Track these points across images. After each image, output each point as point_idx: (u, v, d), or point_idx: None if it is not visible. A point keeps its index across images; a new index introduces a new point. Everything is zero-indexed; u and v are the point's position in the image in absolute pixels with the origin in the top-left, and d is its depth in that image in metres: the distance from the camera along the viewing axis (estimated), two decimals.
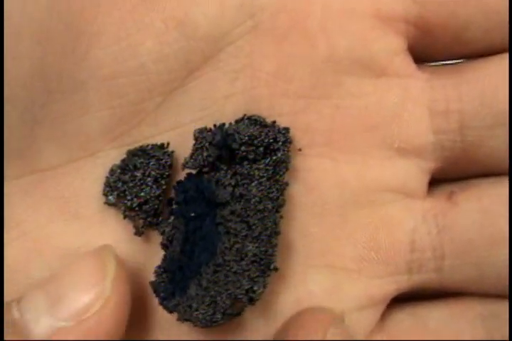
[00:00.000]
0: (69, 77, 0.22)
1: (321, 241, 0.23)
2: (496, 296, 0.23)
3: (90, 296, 0.20)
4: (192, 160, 0.22)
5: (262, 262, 0.21)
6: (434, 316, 0.23)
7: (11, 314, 0.19)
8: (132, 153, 0.23)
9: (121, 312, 0.20)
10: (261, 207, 0.22)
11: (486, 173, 0.24)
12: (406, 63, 0.23)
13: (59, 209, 0.22)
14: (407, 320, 0.24)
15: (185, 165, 0.23)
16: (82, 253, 0.22)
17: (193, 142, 0.23)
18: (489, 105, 0.23)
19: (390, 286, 0.23)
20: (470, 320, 0.23)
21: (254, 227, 0.22)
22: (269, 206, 0.22)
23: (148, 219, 0.23)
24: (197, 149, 0.22)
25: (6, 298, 0.21)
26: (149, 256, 0.23)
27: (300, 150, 0.23)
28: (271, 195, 0.22)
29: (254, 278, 0.21)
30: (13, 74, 0.21)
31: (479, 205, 0.23)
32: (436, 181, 0.24)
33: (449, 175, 0.24)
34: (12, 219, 0.22)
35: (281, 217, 0.22)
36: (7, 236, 0.22)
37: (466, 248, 0.23)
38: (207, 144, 0.22)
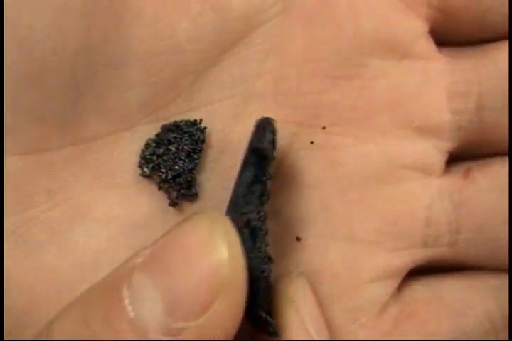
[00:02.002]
0: (111, 53, 0.23)
1: (343, 214, 0.24)
2: (508, 271, 0.24)
3: (207, 291, 0.18)
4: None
5: None
6: (448, 289, 0.24)
7: (124, 307, 0.18)
8: (167, 128, 0.24)
9: (238, 303, 0.19)
10: None
11: (501, 153, 0.24)
12: (428, 46, 0.24)
13: (98, 179, 0.23)
14: (422, 292, 0.24)
15: None
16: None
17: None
18: (504, 86, 0.24)
19: (406, 259, 0.24)
20: (482, 292, 0.24)
21: None
22: None
23: (182, 191, 0.24)
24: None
25: (48, 258, 0.22)
26: None
27: (324, 128, 0.24)
28: None
29: None
30: (59, 47, 0.22)
31: (494, 183, 0.24)
32: (454, 160, 0.25)
33: (466, 154, 0.25)
34: (55, 186, 0.23)
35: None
36: (51, 201, 0.23)
37: (479, 224, 0.24)
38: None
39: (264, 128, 0.22)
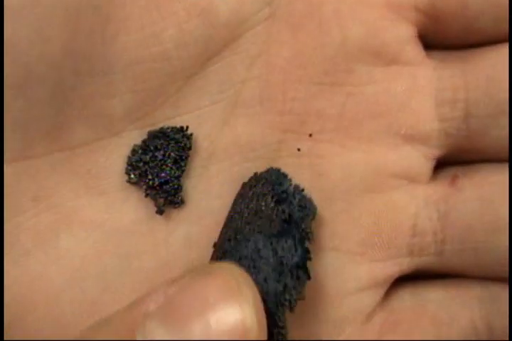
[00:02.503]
0: (97, 60, 0.23)
1: (328, 225, 0.24)
2: (495, 280, 0.24)
3: None
4: None
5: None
6: (433, 298, 0.24)
7: None
8: (153, 135, 0.24)
9: None
10: None
11: (489, 159, 0.24)
12: (416, 51, 0.24)
13: (85, 185, 0.24)
14: (408, 301, 0.24)
15: None
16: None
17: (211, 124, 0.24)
18: (492, 94, 0.23)
19: (392, 268, 0.24)
20: (467, 302, 0.24)
21: None
22: None
23: (169, 198, 0.24)
24: None
25: (35, 265, 0.22)
26: (169, 233, 0.24)
27: (311, 135, 0.24)
28: None
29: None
30: (45, 55, 0.22)
31: (480, 193, 0.24)
32: (441, 164, 0.25)
33: (453, 161, 0.25)
34: (42, 193, 0.23)
35: None
36: (38, 208, 0.23)
37: (465, 233, 0.24)
38: None
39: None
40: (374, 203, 0.24)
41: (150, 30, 0.23)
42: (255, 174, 0.24)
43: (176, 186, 0.24)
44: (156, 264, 0.23)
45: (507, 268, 0.23)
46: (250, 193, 0.24)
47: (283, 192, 0.23)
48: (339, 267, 0.24)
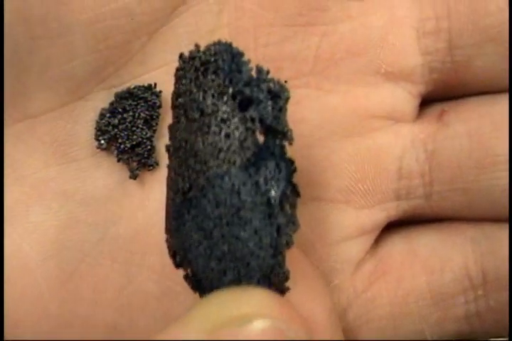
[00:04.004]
0: (53, 22, 0.22)
1: (308, 173, 0.22)
2: (488, 220, 0.22)
3: None
4: None
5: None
6: (425, 242, 0.23)
7: None
8: (120, 96, 0.23)
9: None
10: None
11: (477, 93, 0.22)
12: None
13: (53, 154, 0.23)
14: (399, 245, 0.23)
15: None
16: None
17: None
18: (476, 21, 0.21)
19: (379, 215, 0.23)
20: (460, 244, 0.22)
21: None
22: None
23: (142, 161, 0.23)
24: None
25: (7, 242, 0.21)
26: (145, 196, 0.23)
27: (286, 82, 0.22)
28: None
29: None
30: None
31: (468, 127, 0.22)
32: (427, 101, 0.23)
33: (439, 97, 0.23)
34: (8, 165, 0.22)
35: None
36: (5, 182, 0.22)
37: (454, 173, 0.22)
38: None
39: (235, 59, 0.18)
40: (356, 148, 0.22)
41: None
42: (191, 54, 0.19)
43: (148, 148, 0.23)
44: (133, 230, 0.22)
45: (500, 207, 0.22)
46: (190, 96, 0.18)
47: (246, 84, 0.18)
48: (323, 217, 0.23)
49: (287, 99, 0.18)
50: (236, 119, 0.18)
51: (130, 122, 0.23)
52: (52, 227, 0.22)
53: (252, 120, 0.18)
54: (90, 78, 0.22)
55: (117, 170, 0.23)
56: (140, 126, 0.23)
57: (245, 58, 0.18)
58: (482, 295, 0.22)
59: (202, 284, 0.18)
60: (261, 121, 0.18)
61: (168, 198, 0.19)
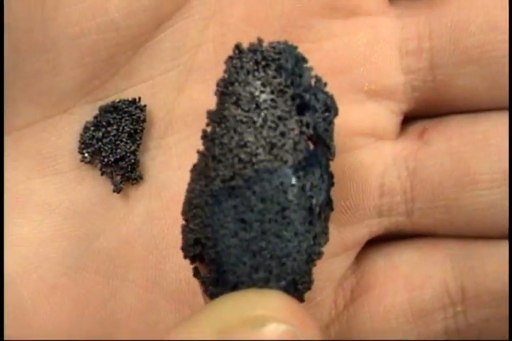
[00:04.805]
0: (38, 36, 0.22)
1: None
2: (468, 237, 0.22)
3: None
4: None
5: None
6: (406, 258, 0.23)
7: None
8: (104, 110, 0.23)
9: None
10: None
11: (458, 111, 0.23)
12: (377, 0, 0.23)
13: (37, 166, 0.23)
14: (380, 262, 0.23)
15: None
16: None
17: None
18: (457, 41, 0.22)
19: (361, 231, 0.23)
20: (440, 261, 0.22)
21: None
22: None
23: (126, 175, 0.23)
24: None
25: None
26: (129, 210, 0.23)
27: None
28: None
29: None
30: None
31: (449, 146, 0.22)
32: (410, 119, 0.23)
33: (421, 114, 0.23)
34: None
35: None
36: None
37: (435, 191, 0.22)
38: None
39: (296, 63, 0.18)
40: (339, 165, 0.22)
41: (94, 0, 0.22)
42: (252, 47, 0.19)
43: (132, 161, 0.23)
44: (116, 243, 0.22)
45: (480, 225, 0.22)
46: (246, 87, 0.18)
47: (305, 90, 0.18)
48: None
49: (336, 113, 0.19)
50: (293, 120, 0.18)
51: (114, 136, 0.23)
52: (35, 240, 0.22)
53: (307, 125, 0.18)
54: (75, 92, 0.22)
55: (101, 183, 0.23)
56: (124, 139, 0.23)
57: (308, 65, 0.19)
58: (461, 311, 0.22)
59: (224, 278, 0.18)
60: (314, 129, 0.18)
61: (194, 184, 0.18)
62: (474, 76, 0.22)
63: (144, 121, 0.23)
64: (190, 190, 0.19)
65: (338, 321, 0.23)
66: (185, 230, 0.19)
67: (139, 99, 0.23)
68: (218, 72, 0.22)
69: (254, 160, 0.18)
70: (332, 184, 0.19)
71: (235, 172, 0.18)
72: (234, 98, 0.18)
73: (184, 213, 0.19)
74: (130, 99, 0.23)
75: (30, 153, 0.23)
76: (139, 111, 0.23)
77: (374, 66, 0.22)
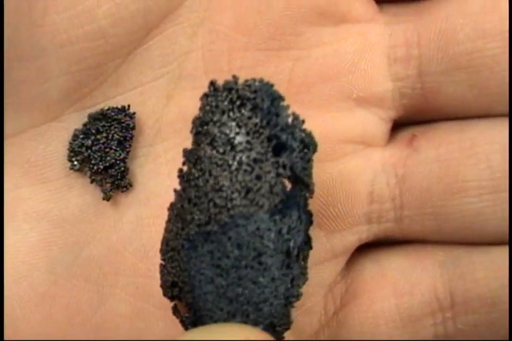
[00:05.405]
0: (26, 44, 0.22)
1: None
2: (457, 243, 0.23)
3: None
4: None
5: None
6: (395, 265, 0.23)
7: None
8: (93, 117, 0.23)
9: None
10: None
11: (447, 118, 0.23)
12: (366, 7, 0.23)
13: (25, 175, 0.22)
14: (369, 268, 0.23)
15: None
16: None
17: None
18: (445, 48, 0.22)
19: (350, 238, 0.23)
20: (429, 268, 0.23)
21: None
22: None
23: (116, 183, 0.23)
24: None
25: None
26: (118, 218, 0.23)
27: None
28: None
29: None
30: None
31: (438, 153, 0.22)
32: (399, 126, 0.23)
33: (410, 121, 0.23)
34: None
35: None
36: None
37: (424, 198, 0.22)
38: None
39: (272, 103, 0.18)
40: (328, 172, 0.23)
41: (82, 7, 0.22)
42: (227, 85, 0.18)
43: (122, 169, 0.23)
44: (106, 251, 0.22)
45: (469, 231, 0.22)
46: (220, 127, 0.18)
47: (282, 129, 0.18)
48: None
49: (315, 150, 0.18)
50: (269, 162, 0.18)
51: (103, 143, 0.23)
52: (24, 248, 0.22)
53: (284, 166, 0.18)
54: (63, 99, 0.22)
55: (90, 191, 0.23)
56: (113, 147, 0.23)
57: (285, 103, 0.18)
58: (450, 317, 0.22)
59: (202, 321, 0.18)
60: (291, 169, 0.18)
61: (171, 225, 0.19)
62: (462, 83, 0.22)
63: (133, 128, 0.23)
64: (167, 230, 0.19)
65: (327, 327, 0.23)
66: (163, 271, 0.19)
67: (128, 106, 0.23)
68: (207, 79, 0.22)
69: (229, 205, 0.17)
70: (311, 222, 0.18)
71: (210, 217, 0.18)
72: (209, 139, 0.18)
73: (161, 252, 0.19)
74: (119, 106, 0.23)
75: (19, 161, 0.22)
76: (128, 118, 0.23)
77: (363, 73, 0.22)
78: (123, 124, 0.23)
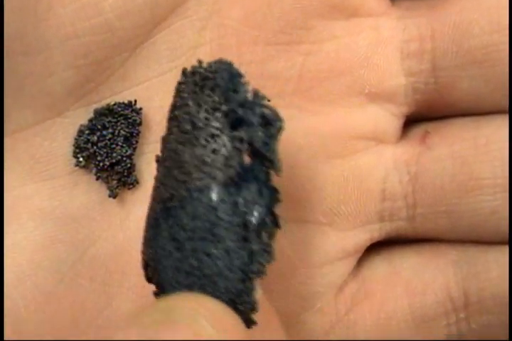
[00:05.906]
0: (31, 38, 0.21)
1: (291, 195, 0.22)
2: (471, 242, 0.22)
3: None
4: None
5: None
6: (407, 264, 0.23)
7: None
8: (99, 113, 0.22)
9: None
10: None
11: (461, 114, 0.22)
12: (378, 0, 0.22)
13: (30, 171, 0.22)
14: (381, 267, 0.23)
15: None
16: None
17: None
18: (460, 42, 0.21)
19: (362, 236, 0.22)
20: (442, 267, 0.22)
21: None
22: None
23: (122, 180, 0.22)
24: None
25: None
26: (125, 216, 0.22)
27: (269, 100, 0.22)
28: None
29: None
30: None
31: (451, 150, 0.22)
32: (412, 122, 0.23)
33: (423, 117, 0.23)
34: None
35: None
36: None
37: (437, 196, 0.22)
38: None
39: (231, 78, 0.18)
40: (339, 169, 0.22)
41: (88, 0, 0.21)
42: (194, 69, 0.19)
43: (128, 166, 0.22)
44: (112, 250, 0.22)
45: (483, 230, 0.22)
46: (185, 109, 0.18)
47: (240, 105, 0.18)
48: (306, 239, 0.22)
49: (280, 128, 0.18)
50: (225, 137, 0.18)
51: (109, 139, 0.22)
52: (29, 247, 0.22)
53: (241, 140, 0.18)
54: (69, 94, 0.22)
55: (96, 188, 0.22)
56: (120, 143, 0.22)
57: (244, 80, 0.18)
58: (464, 317, 0.22)
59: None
60: (250, 144, 0.18)
61: (149, 208, 0.19)
62: (478, 78, 0.21)
63: (139, 124, 0.22)
64: (146, 215, 0.19)
65: (338, 327, 0.23)
66: (142, 253, 0.19)
67: (135, 101, 0.22)
68: None
69: (188, 179, 0.18)
70: (277, 200, 0.18)
71: (172, 194, 0.18)
72: (176, 122, 0.18)
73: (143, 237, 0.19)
74: (126, 101, 0.22)
75: (23, 158, 0.22)
76: (134, 114, 0.22)
77: (375, 68, 0.22)
78: (129, 120, 0.22)
